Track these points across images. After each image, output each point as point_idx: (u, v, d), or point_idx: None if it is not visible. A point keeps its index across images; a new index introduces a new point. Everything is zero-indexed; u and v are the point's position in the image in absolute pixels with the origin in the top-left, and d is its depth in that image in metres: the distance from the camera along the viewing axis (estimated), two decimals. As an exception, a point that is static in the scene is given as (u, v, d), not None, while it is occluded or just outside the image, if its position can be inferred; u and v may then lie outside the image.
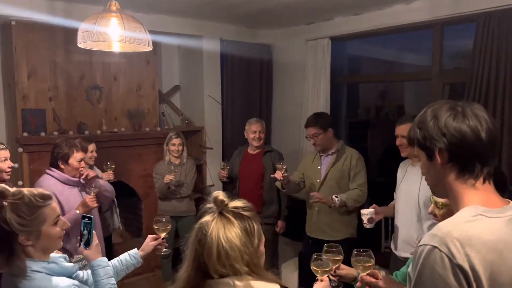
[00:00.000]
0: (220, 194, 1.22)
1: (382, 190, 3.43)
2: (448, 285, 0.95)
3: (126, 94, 4.10)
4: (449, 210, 1.54)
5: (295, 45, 4.57)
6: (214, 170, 4.54)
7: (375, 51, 5.07)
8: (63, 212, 2.60)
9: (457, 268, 0.95)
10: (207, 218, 1.20)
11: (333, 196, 2.99)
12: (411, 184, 2.50)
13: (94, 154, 3.38)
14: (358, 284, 1.66)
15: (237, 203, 1.23)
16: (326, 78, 4.27)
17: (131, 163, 4.04)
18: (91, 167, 3.42)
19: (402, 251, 2.55)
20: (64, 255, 1.70)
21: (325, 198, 2.99)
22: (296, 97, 4.55)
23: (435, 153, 1.08)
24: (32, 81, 3.60)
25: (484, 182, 1.08)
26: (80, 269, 1.83)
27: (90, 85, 3.89)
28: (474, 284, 0.95)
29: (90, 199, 2.76)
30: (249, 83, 4.72)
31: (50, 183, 2.70)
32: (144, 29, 2.04)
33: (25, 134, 3.52)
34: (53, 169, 2.77)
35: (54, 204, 1.56)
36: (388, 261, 2.76)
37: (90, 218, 1.78)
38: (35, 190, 1.53)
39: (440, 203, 1.66)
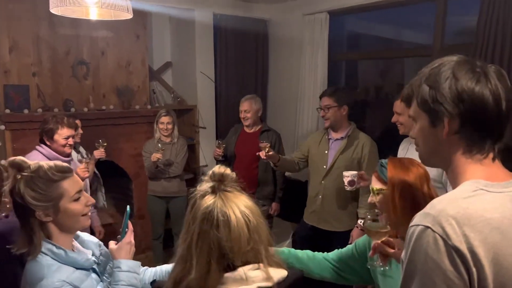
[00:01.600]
0: (217, 168, 1.09)
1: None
2: (443, 271, 0.80)
3: (114, 70, 3.93)
4: (385, 196, 1.43)
5: (292, 20, 4.38)
6: (208, 150, 4.41)
7: (375, 27, 4.89)
8: None
9: (453, 250, 0.80)
10: (210, 199, 1.04)
11: (358, 222, 2.74)
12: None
13: (80, 131, 3.23)
14: (370, 253, 1.45)
15: (229, 171, 1.10)
16: (324, 54, 4.10)
17: (121, 142, 3.90)
18: (77, 145, 3.28)
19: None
20: (99, 241, 1.59)
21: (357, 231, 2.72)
22: (293, 74, 4.38)
23: (444, 120, 0.91)
24: (14, 55, 3.42)
25: (493, 160, 0.93)
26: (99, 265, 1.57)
27: (76, 60, 3.71)
28: (473, 269, 0.80)
29: (81, 169, 2.68)
30: (243, 60, 4.53)
31: (37, 159, 2.53)
32: (123, -7, 1.87)
33: (8, 111, 3.36)
34: (42, 145, 2.66)
35: (75, 178, 1.44)
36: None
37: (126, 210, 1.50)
38: (54, 163, 1.41)
39: (375, 188, 1.49)
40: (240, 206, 1.02)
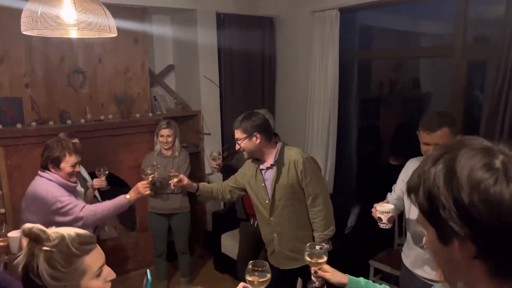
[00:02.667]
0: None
1: (395, 172, 2.92)
2: None
3: (112, 77, 3.72)
4: None
5: (300, 18, 4.11)
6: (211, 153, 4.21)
7: (389, 21, 4.59)
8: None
9: None
10: None
11: (317, 247, 2.47)
12: None
13: None
14: (313, 278, 1.61)
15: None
16: (335, 54, 3.84)
17: (121, 154, 3.71)
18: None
19: (416, 268, 2.18)
20: None
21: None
22: (302, 75, 4.13)
23: (453, 240, 0.67)
24: (5, 66, 3.24)
25: None
26: None
27: (72, 69, 3.51)
28: None
29: (143, 185, 2.52)
30: (249, 62, 4.29)
31: (50, 186, 2.34)
32: (104, 10, 1.64)
33: (0, 126, 3.18)
34: (47, 171, 2.39)
35: (98, 250, 1.22)
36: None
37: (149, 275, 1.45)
38: (76, 233, 1.18)
39: None
40: None
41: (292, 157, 2.40)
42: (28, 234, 1.12)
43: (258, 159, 2.48)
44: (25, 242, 1.13)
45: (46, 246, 1.12)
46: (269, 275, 1.49)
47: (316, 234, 2.44)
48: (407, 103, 4.91)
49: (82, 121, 3.49)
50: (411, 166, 2.28)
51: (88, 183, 3.07)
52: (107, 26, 1.66)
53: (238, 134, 2.42)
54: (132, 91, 3.81)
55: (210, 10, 4.04)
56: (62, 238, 1.15)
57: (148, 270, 1.46)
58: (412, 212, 2.17)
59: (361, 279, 1.59)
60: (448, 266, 0.73)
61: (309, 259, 1.63)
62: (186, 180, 2.55)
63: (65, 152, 2.36)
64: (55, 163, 2.37)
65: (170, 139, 3.36)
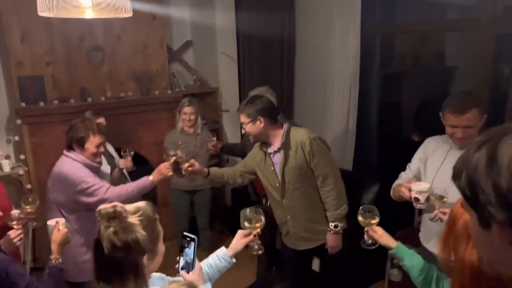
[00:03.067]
0: None
1: (417, 149, 2.82)
2: None
3: (131, 54, 3.73)
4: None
5: (320, -9, 3.99)
6: (232, 134, 4.22)
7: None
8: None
9: None
10: None
11: (330, 226, 2.45)
12: None
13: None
14: (365, 236, 1.80)
15: None
16: (356, 28, 3.73)
17: (141, 131, 3.75)
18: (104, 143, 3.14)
19: (426, 242, 2.22)
20: (161, 274, 1.50)
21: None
22: (322, 51, 4.04)
23: (493, 226, 0.68)
24: (26, 45, 3.27)
25: None
26: None
27: (91, 46, 3.53)
28: None
29: (166, 167, 2.45)
30: (268, 37, 4.21)
31: (75, 167, 2.36)
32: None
33: (23, 104, 3.25)
34: (72, 152, 2.41)
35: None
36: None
37: (193, 239, 1.50)
38: (144, 204, 1.34)
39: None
40: None
41: (299, 138, 2.37)
42: (114, 212, 1.24)
43: (265, 143, 2.47)
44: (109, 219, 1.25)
45: (136, 217, 1.25)
46: (263, 218, 1.67)
47: (329, 214, 2.44)
48: (431, 78, 4.76)
49: (102, 98, 3.53)
50: (430, 144, 2.21)
51: (115, 160, 3.12)
52: (123, 6, 1.64)
53: (243, 118, 2.41)
54: (151, 68, 3.82)
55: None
56: (141, 208, 1.29)
57: (195, 237, 1.50)
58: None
59: (409, 250, 1.72)
60: (488, 250, 0.74)
61: (361, 219, 1.79)
62: (197, 165, 2.54)
63: (89, 133, 2.35)
64: (80, 143, 2.37)
65: (192, 117, 3.38)
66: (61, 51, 3.42)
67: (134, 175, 3.75)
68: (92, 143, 2.36)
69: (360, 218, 1.79)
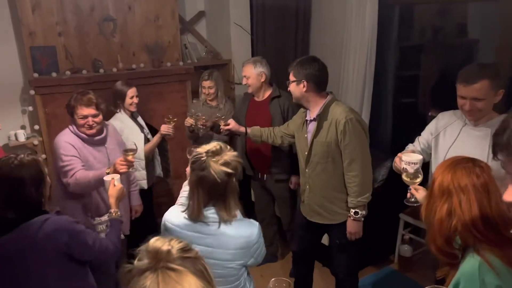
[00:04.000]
0: (153, 241, 0.89)
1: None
2: None
3: (143, 25, 3.68)
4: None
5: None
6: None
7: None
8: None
9: None
10: (146, 281, 0.82)
11: (351, 213, 2.42)
12: (474, 154, 1.57)
13: (135, 100, 3.08)
14: (408, 194, 1.87)
15: (179, 244, 0.90)
16: (373, -2, 3.59)
17: (152, 102, 3.73)
18: (134, 114, 3.17)
19: None
20: None
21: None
22: (338, 21, 3.91)
23: None
24: (37, 15, 3.25)
25: None
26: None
27: (102, 17, 3.49)
28: None
29: (118, 163, 2.32)
30: (283, 8, 4.09)
31: (63, 140, 2.44)
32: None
33: (36, 74, 3.26)
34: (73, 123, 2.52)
35: None
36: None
37: None
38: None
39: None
40: None
41: (336, 115, 2.32)
42: (219, 149, 1.65)
43: (305, 108, 2.48)
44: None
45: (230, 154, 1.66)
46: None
47: (349, 199, 2.41)
48: (451, 51, 4.59)
49: (114, 70, 3.51)
50: (443, 119, 2.14)
51: (144, 130, 3.19)
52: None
53: (290, 76, 2.41)
54: (163, 40, 3.77)
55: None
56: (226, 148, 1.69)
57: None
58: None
59: None
60: None
61: (405, 178, 1.84)
62: (233, 124, 2.79)
63: (77, 103, 2.42)
64: (71, 114, 2.47)
65: (212, 91, 3.36)
66: (73, 22, 3.39)
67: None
68: (78, 114, 2.42)
69: (404, 177, 1.84)
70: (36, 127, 3.39)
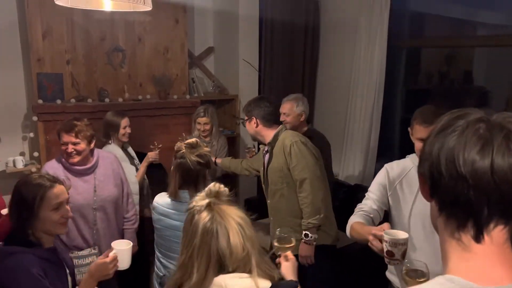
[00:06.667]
0: (213, 185, 1.23)
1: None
2: None
3: (151, 57, 3.68)
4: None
5: (347, 1, 3.90)
6: (249, 143, 4.11)
7: (443, 7, 4.28)
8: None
9: None
10: (208, 214, 1.19)
11: (304, 237, 2.37)
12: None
13: (128, 130, 3.01)
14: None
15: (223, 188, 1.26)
16: (382, 40, 3.62)
17: (157, 134, 3.67)
18: (125, 145, 3.10)
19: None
20: None
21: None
22: (346, 62, 3.93)
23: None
24: (48, 42, 3.25)
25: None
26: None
27: (112, 47, 3.49)
28: None
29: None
30: (291, 47, 4.13)
31: (52, 165, 2.39)
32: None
33: (40, 101, 3.22)
34: None
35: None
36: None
37: None
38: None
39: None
40: (235, 218, 1.20)
41: (283, 140, 2.44)
42: (195, 143, 1.98)
43: (263, 144, 2.64)
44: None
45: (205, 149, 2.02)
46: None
47: (302, 221, 2.40)
48: (458, 97, 4.60)
49: (120, 100, 3.48)
50: (391, 171, 1.87)
51: (135, 161, 3.11)
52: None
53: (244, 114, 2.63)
54: (171, 72, 3.76)
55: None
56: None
57: None
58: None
59: None
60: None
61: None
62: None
63: (60, 130, 2.37)
64: (59, 138, 2.41)
65: (207, 127, 3.33)
66: (82, 50, 3.40)
67: (150, 178, 3.70)
68: (61, 140, 2.37)
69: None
70: (36, 154, 3.31)
